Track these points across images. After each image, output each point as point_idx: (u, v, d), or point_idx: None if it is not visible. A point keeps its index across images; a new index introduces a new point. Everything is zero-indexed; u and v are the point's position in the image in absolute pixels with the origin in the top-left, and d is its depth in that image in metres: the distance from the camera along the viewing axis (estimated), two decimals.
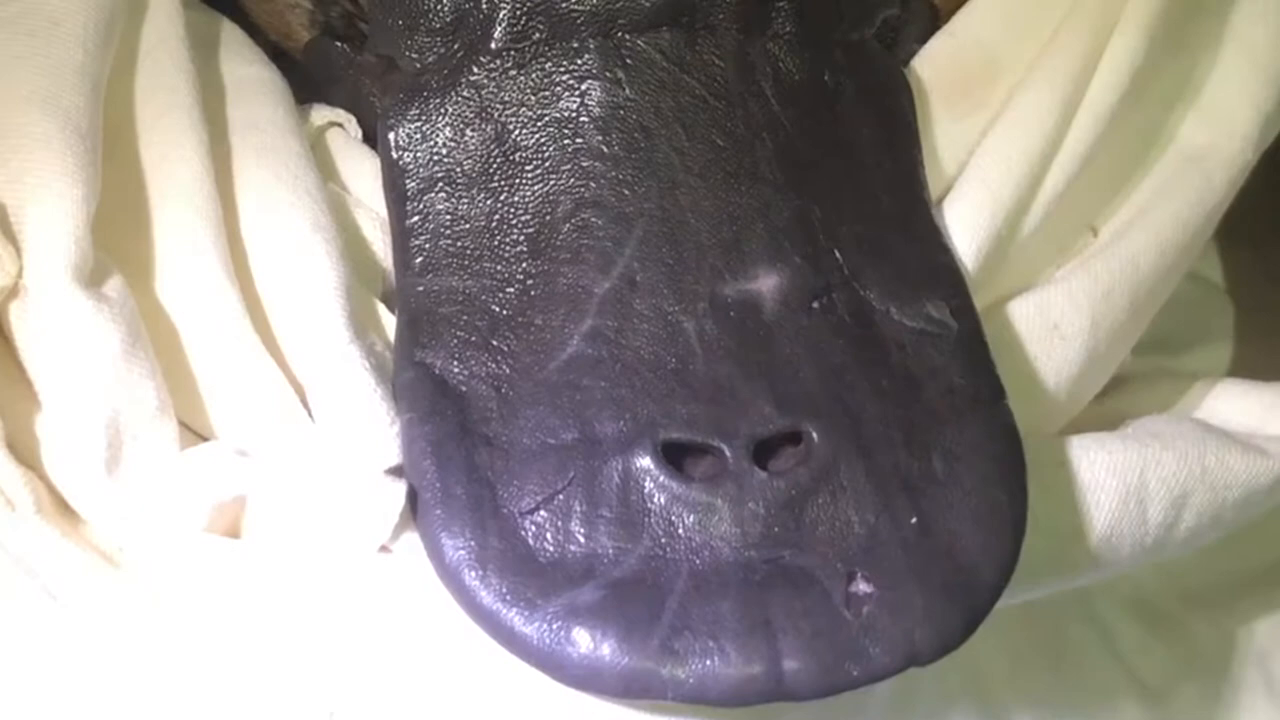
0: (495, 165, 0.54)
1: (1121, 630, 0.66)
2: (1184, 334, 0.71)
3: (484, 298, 0.52)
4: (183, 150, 0.55)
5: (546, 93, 0.54)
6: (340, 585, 0.49)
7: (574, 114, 0.54)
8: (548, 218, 0.53)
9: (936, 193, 0.57)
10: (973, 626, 0.47)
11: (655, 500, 0.47)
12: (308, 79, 0.61)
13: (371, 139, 0.59)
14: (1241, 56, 0.62)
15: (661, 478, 0.47)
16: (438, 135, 0.55)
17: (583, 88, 0.54)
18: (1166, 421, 0.58)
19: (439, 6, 0.56)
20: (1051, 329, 0.56)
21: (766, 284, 0.51)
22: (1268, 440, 0.58)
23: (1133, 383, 0.64)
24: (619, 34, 0.54)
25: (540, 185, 0.53)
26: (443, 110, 0.55)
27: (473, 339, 0.51)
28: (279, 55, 0.62)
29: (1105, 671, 0.65)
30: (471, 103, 0.55)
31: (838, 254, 0.52)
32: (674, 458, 0.48)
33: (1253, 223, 0.68)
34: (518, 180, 0.54)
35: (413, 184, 0.54)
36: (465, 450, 0.49)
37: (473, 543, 0.47)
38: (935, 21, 0.61)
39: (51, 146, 0.52)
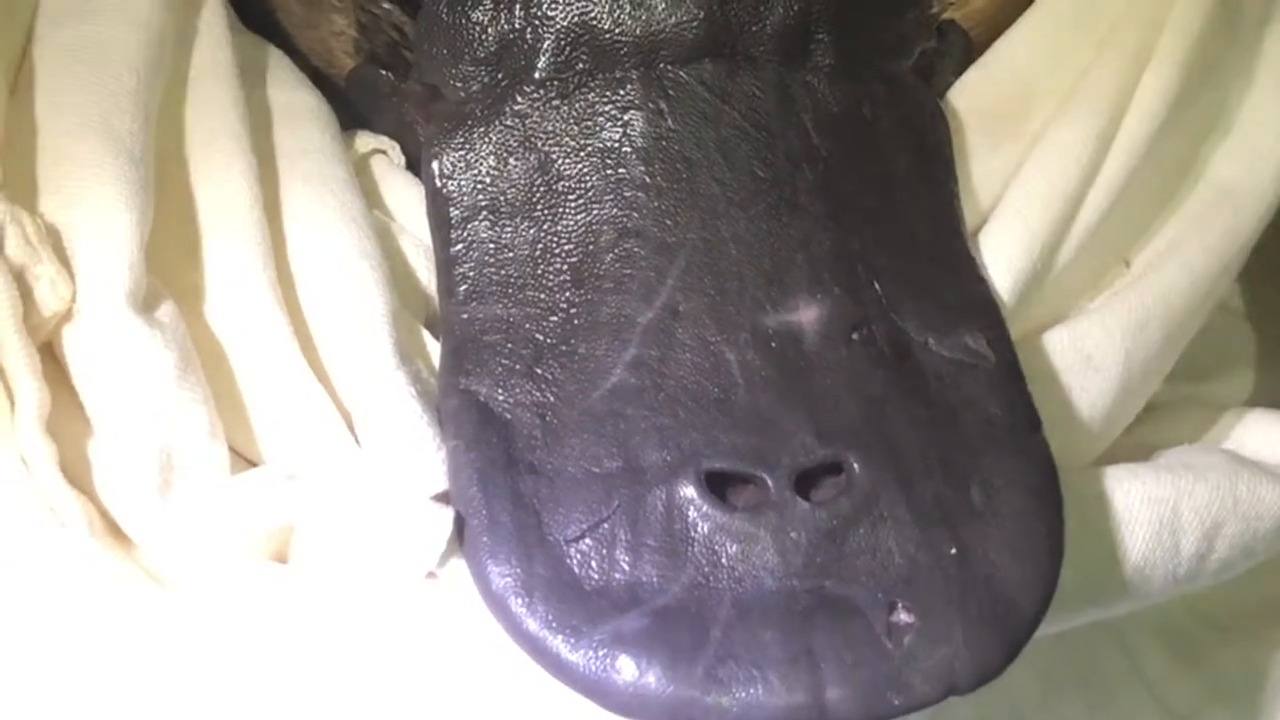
0: (538, 194, 0.54)
1: (1150, 658, 0.66)
2: (1209, 361, 0.71)
3: (528, 326, 0.52)
4: (232, 176, 0.55)
5: (589, 123, 0.55)
6: (387, 610, 0.50)
7: (617, 144, 0.54)
8: (591, 247, 0.53)
9: (972, 224, 0.58)
10: (1011, 656, 0.47)
11: (698, 529, 0.48)
12: (350, 106, 0.62)
13: (415, 166, 0.60)
14: (1273, 90, 0.62)
15: (705, 507, 0.48)
16: (481, 164, 0.55)
17: (625, 118, 0.54)
18: (1198, 452, 0.59)
19: (484, 36, 0.56)
20: (1085, 361, 0.57)
21: (807, 315, 0.52)
22: None
23: (1161, 412, 0.64)
24: (661, 65, 0.55)
25: (583, 214, 0.54)
26: (487, 139, 0.55)
27: (517, 367, 0.51)
28: (321, 81, 0.62)
29: (1134, 698, 0.66)
30: (515, 132, 0.55)
31: (876, 285, 0.53)
32: (717, 487, 0.48)
33: (1275, 251, 0.68)
34: (561, 209, 0.54)
35: (457, 212, 0.55)
36: (511, 478, 0.49)
37: (519, 570, 0.47)
38: (971, 54, 0.62)
39: (104, 172, 0.53)
